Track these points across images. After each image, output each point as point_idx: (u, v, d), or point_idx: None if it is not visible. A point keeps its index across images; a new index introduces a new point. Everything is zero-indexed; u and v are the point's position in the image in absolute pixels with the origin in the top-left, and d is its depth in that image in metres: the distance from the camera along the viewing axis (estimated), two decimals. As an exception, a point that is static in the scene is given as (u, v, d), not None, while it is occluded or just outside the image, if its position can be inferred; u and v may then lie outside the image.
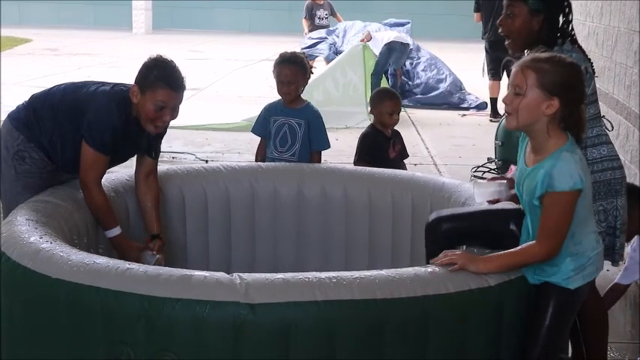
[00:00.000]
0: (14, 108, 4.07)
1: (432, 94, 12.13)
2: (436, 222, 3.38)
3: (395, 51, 11.38)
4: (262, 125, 4.87)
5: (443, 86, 12.17)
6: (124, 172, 4.22)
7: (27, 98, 4.06)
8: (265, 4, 24.47)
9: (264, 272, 2.89)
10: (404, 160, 5.41)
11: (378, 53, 11.17)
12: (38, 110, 3.97)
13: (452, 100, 12.16)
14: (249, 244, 4.52)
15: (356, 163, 5.17)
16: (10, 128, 4.00)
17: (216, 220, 4.45)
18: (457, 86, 12.31)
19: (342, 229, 4.45)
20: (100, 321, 2.77)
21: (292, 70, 4.75)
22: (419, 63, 12.36)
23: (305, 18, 13.52)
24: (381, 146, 5.26)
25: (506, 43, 3.70)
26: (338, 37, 12.76)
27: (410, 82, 12.17)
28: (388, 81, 11.47)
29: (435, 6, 24.25)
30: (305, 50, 11.41)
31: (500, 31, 3.71)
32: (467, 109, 12.07)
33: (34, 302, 2.96)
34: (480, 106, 11.94)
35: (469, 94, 12.32)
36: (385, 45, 11.18)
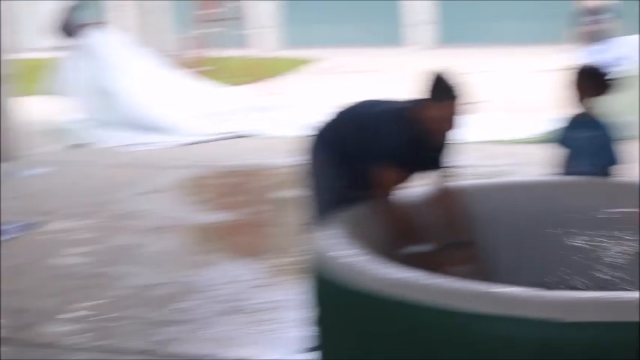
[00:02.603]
0: (320, 124, 4.30)
1: None
2: None
3: None
4: (560, 137, 4.83)
5: None
6: (417, 187, 4.31)
7: (331, 115, 4.29)
8: (548, 14, 23.91)
9: (555, 290, 2.85)
10: None
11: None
12: (338, 127, 4.22)
13: None
14: (543, 260, 4.45)
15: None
16: (315, 144, 4.26)
17: (509, 235, 4.41)
18: None
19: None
20: (414, 336, 2.86)
21: (580, 81, 4.69)
22: None
23: (574, 25, 13.01)
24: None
25: None
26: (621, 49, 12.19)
27: None
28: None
29: None
30: (600, 62, 11.01)
31: None
32: None
33: (345, 316, 3.11)
34: None
35: None
36: None
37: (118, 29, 13.04)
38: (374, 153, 3.94)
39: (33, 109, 10.95)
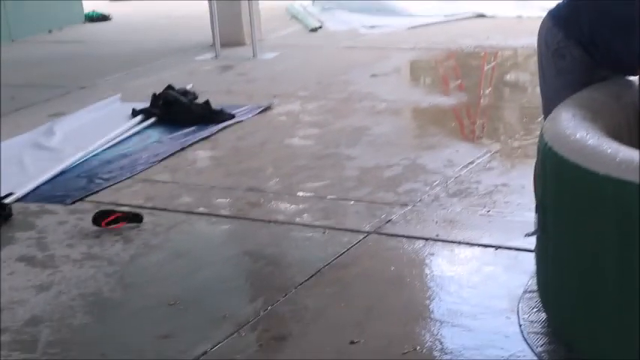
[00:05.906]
0: (556, 4, 4.04)
1: None
2: None
3: None
4: None
5: None
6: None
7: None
8: None
9: None
10: None
11: None
12: (579, 5, 3.92)
13: None
14: None
15: None
16: (550, 25, 4.00)
17: None
18: None
19: None
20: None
21: None
22: None
23: None
24: None
25: None
26: None
27: None
28: None
29: None
30: None
31: None
32: None
33: (581, 199, 2.98)
34: None
35: None
36: None
37: None
38: (632, 34, 3.64)
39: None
